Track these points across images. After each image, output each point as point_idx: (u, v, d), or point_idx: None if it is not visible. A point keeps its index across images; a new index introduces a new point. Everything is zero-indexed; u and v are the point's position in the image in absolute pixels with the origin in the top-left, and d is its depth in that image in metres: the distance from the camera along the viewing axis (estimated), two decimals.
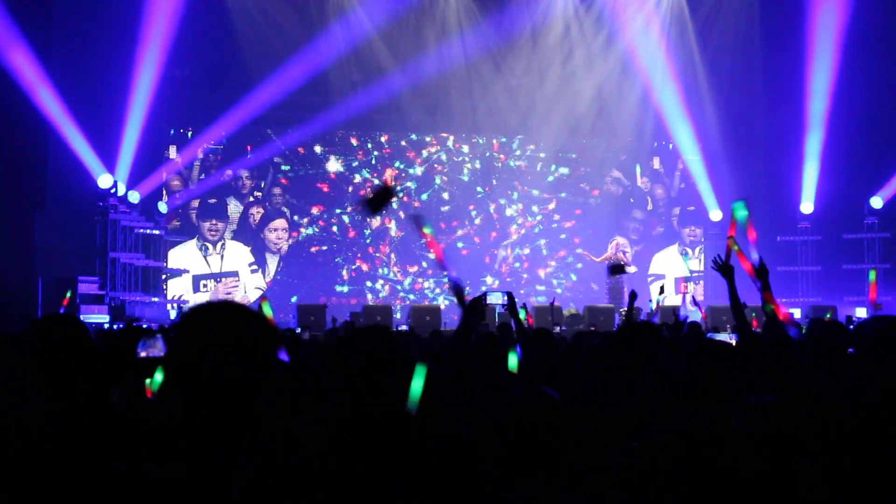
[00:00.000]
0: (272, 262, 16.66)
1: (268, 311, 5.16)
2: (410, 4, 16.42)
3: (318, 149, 16.97)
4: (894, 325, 2.61)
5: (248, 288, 16.39)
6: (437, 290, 17.03)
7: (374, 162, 17.23)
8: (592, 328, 10.36)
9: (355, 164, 17.13)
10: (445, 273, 3.95)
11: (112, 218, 14.07)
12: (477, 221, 17.53)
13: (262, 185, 16.74)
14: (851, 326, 6.48)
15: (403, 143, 17.39)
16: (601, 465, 2.42)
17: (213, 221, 16.42)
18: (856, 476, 2.36)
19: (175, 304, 15.52)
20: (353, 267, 16.91)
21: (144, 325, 4.93)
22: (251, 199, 16.72)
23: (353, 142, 17.11)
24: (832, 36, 15.72)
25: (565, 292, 17.43)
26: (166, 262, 15.80)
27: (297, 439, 2.19)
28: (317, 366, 4.18)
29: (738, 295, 4.10)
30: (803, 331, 5.32)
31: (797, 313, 14.18)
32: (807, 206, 16.75)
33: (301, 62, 15.63)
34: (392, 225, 17.11)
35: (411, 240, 16.97)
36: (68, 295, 11.18)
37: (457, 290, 3.72)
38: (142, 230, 14.73)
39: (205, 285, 16.21)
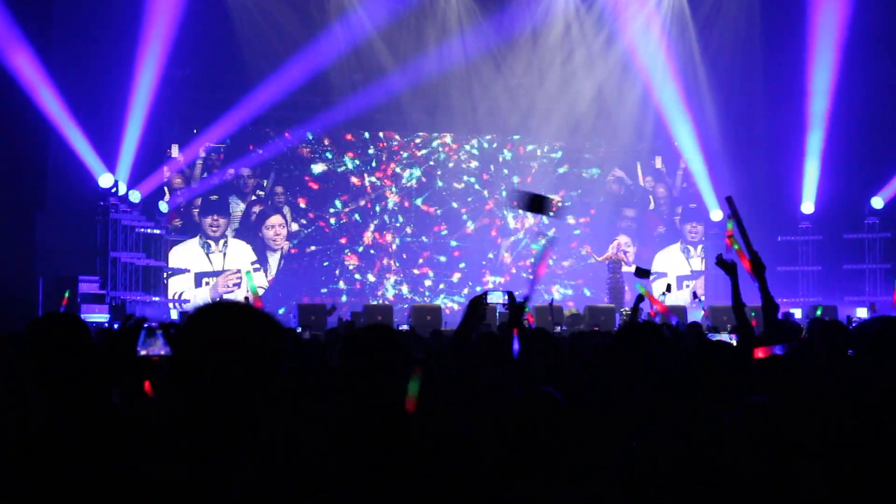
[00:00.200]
0: (273, 261, 16.67)
1: (251, 282, 5.16)
2: (411, 4, 16.41)
3: (326, 141, 16.96)
4: (894, 325, 2.61)
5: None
6: (442, 286, 17.03)
7: (374, 164, 17.21)
8: (596, 328, 10.33)
9: (356, 163, 17.12)
10: (526, 291, 3.96)
11: (113, 217, 14.08)
12: (476, 222, 17.50)
13: (265, 184, 16.74)
14: (852, 326, 6.48)
15: (396, 140, 17.34)
16: (601, 465, 2.42)
17: (215, 217, 16.43)
18: (856, 476, 2.36)
19: (176, 303, 15.52)
20: (353, 267, 16.90)
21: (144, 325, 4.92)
22: (253, 197, 16.72)
23: (348, 137, 17.09)
24: (832, 36, 15.71)
25: (567, 290, 17.42)
26: (167, 261, 15.80)
27: (298, 439, 2.19)
28: (317, 365, 4.18)
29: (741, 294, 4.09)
30: (804, 332, 5.32)
31: (797, 313, 14.17)
32: (807, 206, 16.74)
33: (301, 62, 15.63)
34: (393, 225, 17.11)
35: (412, 240, 16.97)
36: (67, 295, 11.17)
37: (522, 308, 3.73)
38: (142, 230, 14.74)
39: (207, 283, 16.21)
